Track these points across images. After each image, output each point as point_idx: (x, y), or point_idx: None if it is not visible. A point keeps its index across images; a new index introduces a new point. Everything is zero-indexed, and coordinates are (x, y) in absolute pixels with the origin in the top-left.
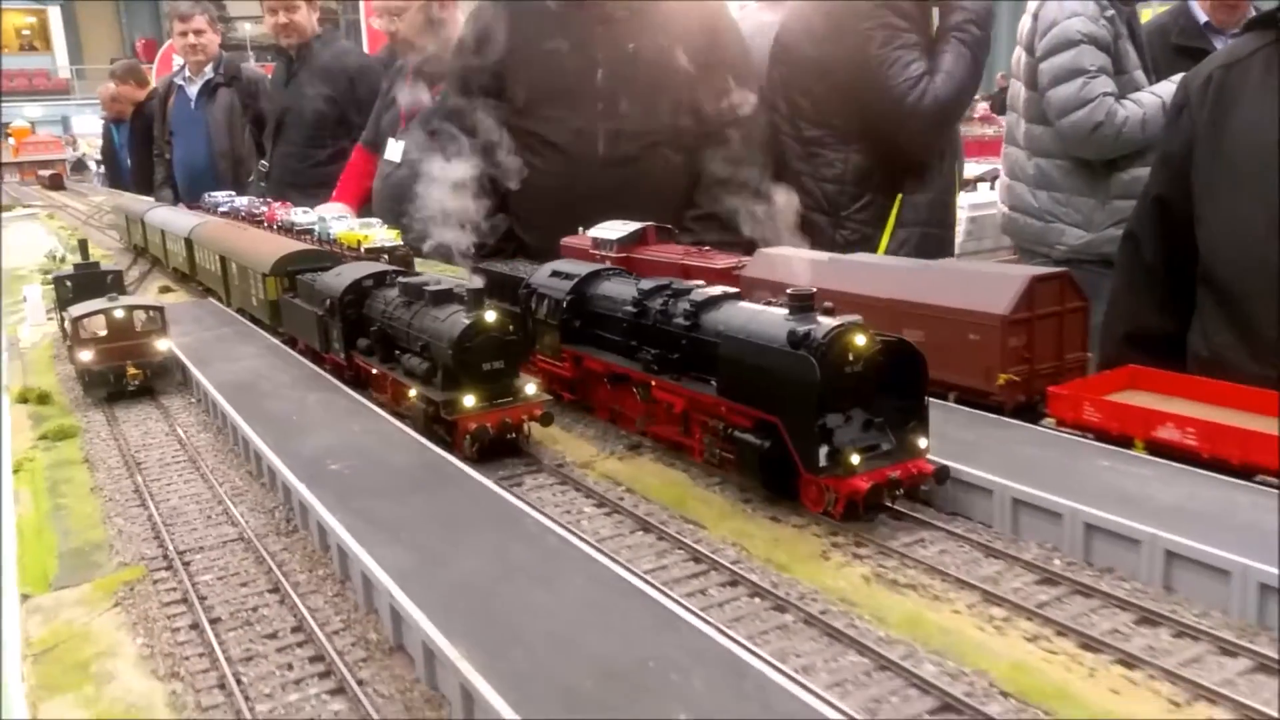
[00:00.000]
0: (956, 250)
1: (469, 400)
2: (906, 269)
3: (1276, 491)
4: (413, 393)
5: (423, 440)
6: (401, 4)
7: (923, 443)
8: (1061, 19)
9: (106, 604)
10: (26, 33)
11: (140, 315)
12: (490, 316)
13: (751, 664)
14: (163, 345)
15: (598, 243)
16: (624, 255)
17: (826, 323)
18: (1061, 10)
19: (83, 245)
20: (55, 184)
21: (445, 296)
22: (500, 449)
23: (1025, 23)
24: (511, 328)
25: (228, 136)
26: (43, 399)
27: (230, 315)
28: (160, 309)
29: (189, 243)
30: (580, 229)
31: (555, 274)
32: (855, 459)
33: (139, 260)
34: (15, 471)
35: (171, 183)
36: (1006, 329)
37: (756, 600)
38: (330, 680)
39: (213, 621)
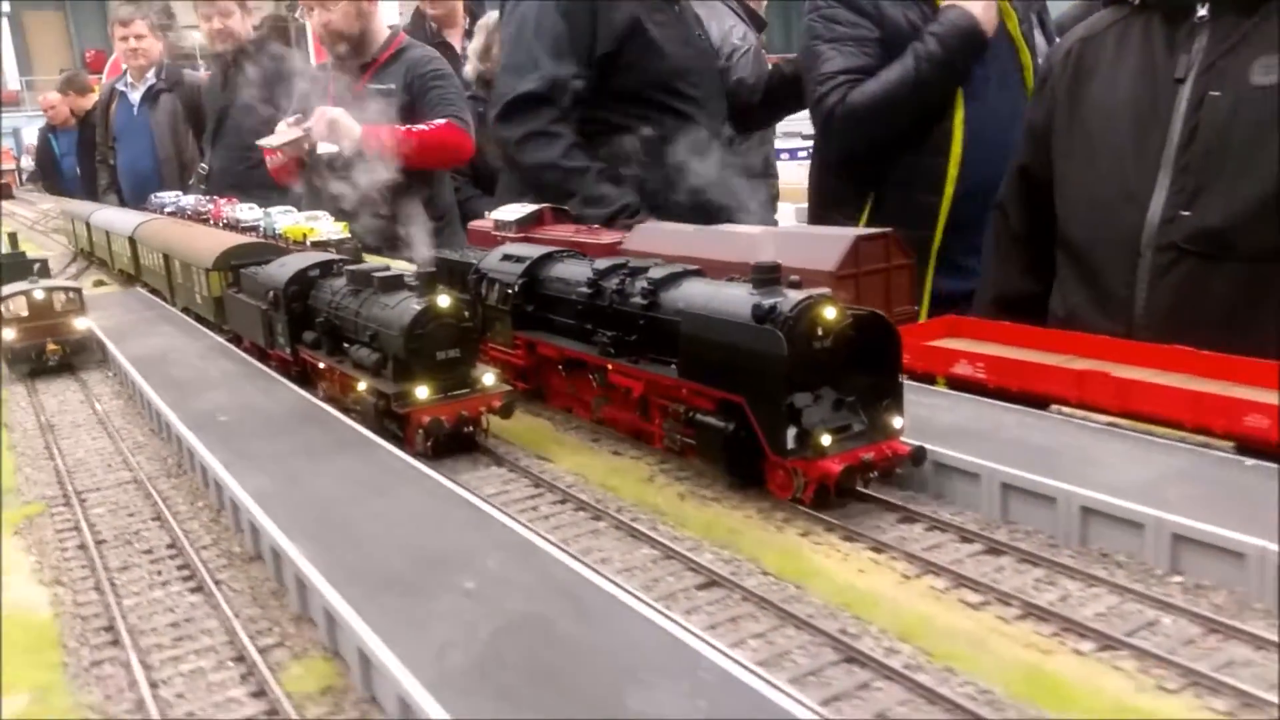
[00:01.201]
0: None
1: (422, 392)
2: (757, 235)
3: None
4: (361, 385)
5: (302, 392)
6: None
7: (898, 422)
8: None
9: (8, 532)
10: None
11: (60, 296)
12: (444, 301)
13: (542, 546)
14: (81, 324)
15: (499, 224)
16: (522, 235)
17: (793, 296)
18: None
19: (12, 237)
20: (3, 193)
21: (394, 283)
22: (457, 444)
23: None
24: (467, 313)
25: (172, 142)
26: None
27: (153, 301)
28: (78, 290)
29: (133, 242)
30: (485, 212)
31: (507, 258)
32: (826, 440)
33: (77, 259)
34: None
35: (116, 188)
36: (834, 283)
37: (580, 513)
38: (192, 582)
39: (98, 543)
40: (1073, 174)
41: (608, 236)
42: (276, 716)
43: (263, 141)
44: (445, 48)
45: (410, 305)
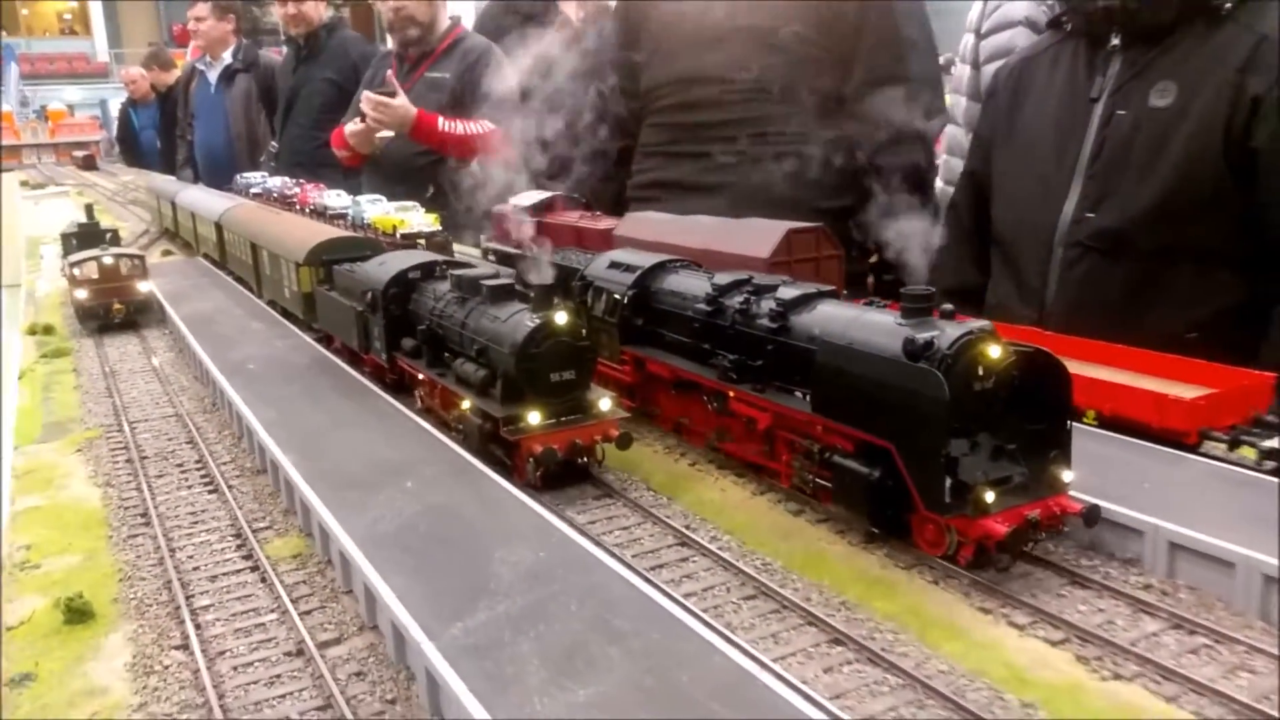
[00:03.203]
0: None
1: (534, 417)
2: (713, 224)
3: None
4: (466, 404)
5: (319, 347)
6: None
7: (1067, 476)
8: (1006, 2)
9: (70, 450)
10: (68, 17)
11: (126, 262)
12: (561, 318)
13: (475, 465)
14: (144, 287)
15: (516, 209)
16: (536, 219)
17: (950, 330)
18: None
19: (88, 209)
20: (88, 164)
21: (506, 293)
22: (568, 476)
23: (975, 7)
24: (585, 331)
25: (244, 120)
26: (48, 330)
27: (208, 269)
28: (142, 257)
29: (219, 228)
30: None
31: (614, 265)
32: (989, 497)
33: (155, 235)
34: (20, 378)
35: (192, 163)
36: (768, 270)
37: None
38: (210, 485)
39: (142, 458)
40: (1006, 179)
41: (604, 223)
42: (257, 568)
43: (341, 138)
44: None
45: (524, 320)
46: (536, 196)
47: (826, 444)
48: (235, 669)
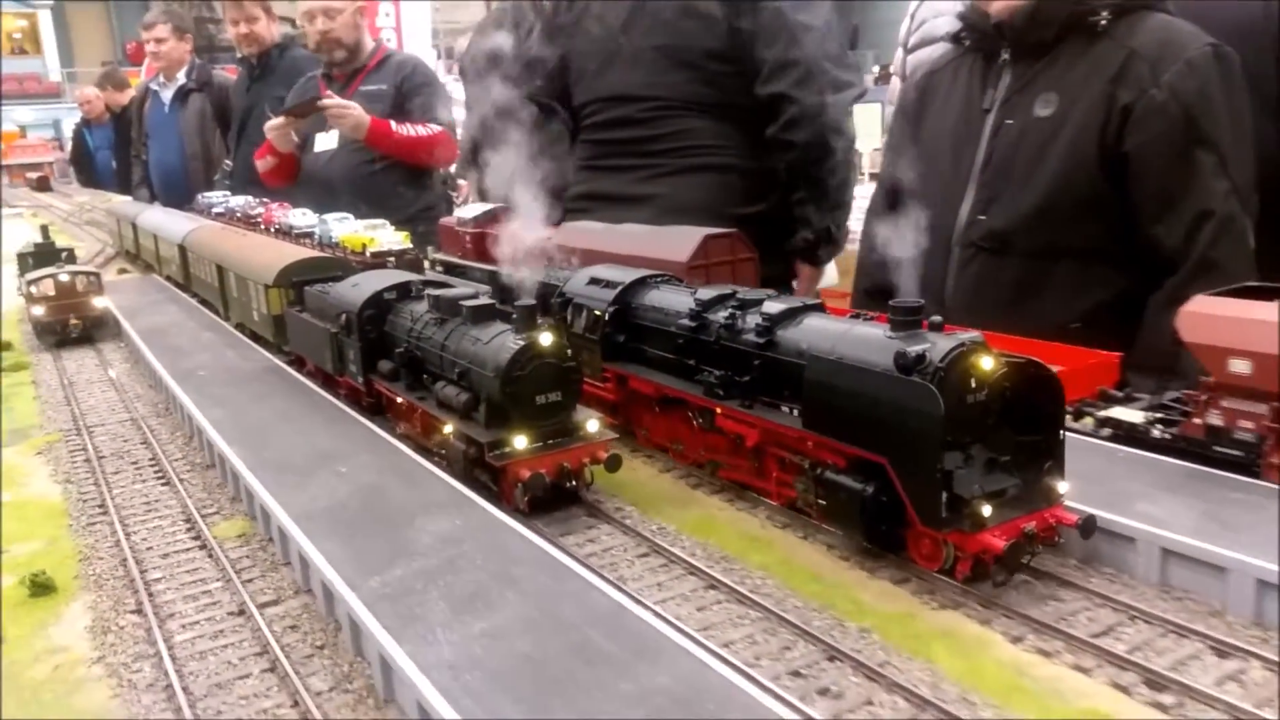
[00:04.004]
0: None
1: (520, 441)
2: (638, 231)
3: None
4: (448, 429)
5: (265, 352)
6: (339, 5)
7: (1062, 487)
8: (930, 18)
9: (31, 453)
10: (17, 36)
11: (81, 279)
12: (546, 339)
13: (403, 450)
14: (99, 303)
15: (460, 221)
16: (479, 230)
17: (941, 342)
18: (931, 10)
19: (43, 229)
20: (42, 185)
21: (487, 313)
22: (557, 500)
23: (904, 23)
24: (570, 351)
25: (199, 140)
26: (6, 346)
27: (164, 286)
28: (97, 274)
29: (183, 250)
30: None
31: (594, 281)
32: (987, 510)
33: (114, 256)
34: None
35: (148, 183)
36: (686, 273)
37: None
38: (163, 479)
39: (99, 458)
40: (913, 184)
41: (542, 232)
42: (205, 546)
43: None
44: None
45: (507, 342)
46: (481, 209)
47: (817, 460)
48: (183, 627)
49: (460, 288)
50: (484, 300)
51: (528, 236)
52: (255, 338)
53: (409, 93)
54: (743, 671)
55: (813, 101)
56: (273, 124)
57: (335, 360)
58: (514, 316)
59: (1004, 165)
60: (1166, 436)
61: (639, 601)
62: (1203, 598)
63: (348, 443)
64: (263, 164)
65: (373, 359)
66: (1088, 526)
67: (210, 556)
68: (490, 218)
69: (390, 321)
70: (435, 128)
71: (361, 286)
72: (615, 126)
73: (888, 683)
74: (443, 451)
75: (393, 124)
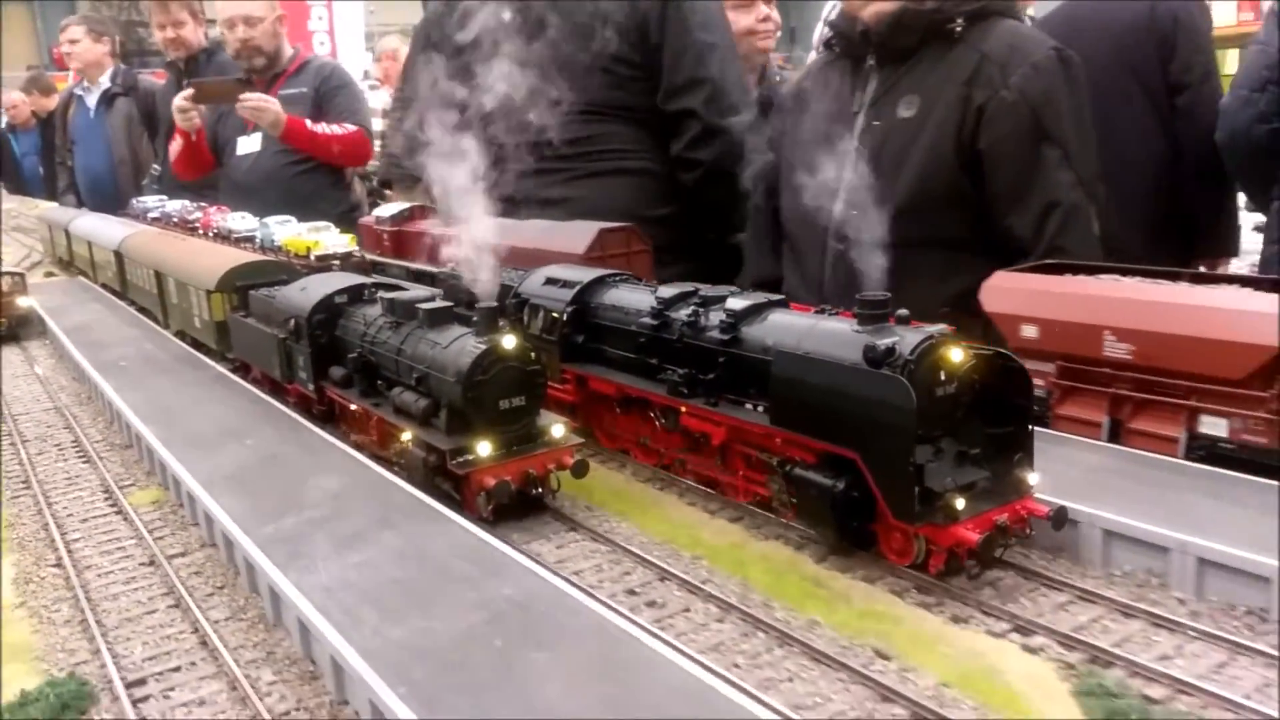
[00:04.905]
0: None
1: (484, 448)
2: (541, 226)
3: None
4: (407, 436)
5: (183, 345)
6: (259, 15)
7: (1032, 478)
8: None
9: None
10: None
11: (7, 279)
12: (508, 342)
13: (305, 424)
14: (24, 302)
15: (379, 219)
16: (396, 229)
17: (909, 335)
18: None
19: None
20: None
21: (444, 316)
22: (521, 508)
23: (819, 27)
24: (534, 355)
25: (127, 144)
26: None
27: (89, 286)
28: (22, 274)
29: (119, 256)
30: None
31: (551, 281)
32: (960, 503)
33: (30, 255)
34: None
35: (74, 189)
36: (584, 263)
37: None
38: (84, 457)
39: (23, 441)
40: (789, 185)
41: (453, 229)
42: (121, 512)
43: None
44: None
45: (468, 345)
46: (397, 207)
47: (786, 456)
48: (99, 575)
49: (415, 290)
50: (441, 304)
51: (444, 234)
52: (197, 345)
53: (327, 95)
54: (575, 584)
55: (717, 122)
56: (179, 102)
57: (284, 367)
58: (474, 320)
59: (872, 164)
60: None
61: (503, 540)
62: None
63: (255, 420)
64: (174, 147)
65: (324, 365)
66: (1059, 518)
67: (126, 520)
68: (407, 216)
69: (342, 326)
70: (351, 127)
71: (310, 290)
72: (527, 130)
73: (704, 594)
74: (401, 460)
75: (308, 122)
